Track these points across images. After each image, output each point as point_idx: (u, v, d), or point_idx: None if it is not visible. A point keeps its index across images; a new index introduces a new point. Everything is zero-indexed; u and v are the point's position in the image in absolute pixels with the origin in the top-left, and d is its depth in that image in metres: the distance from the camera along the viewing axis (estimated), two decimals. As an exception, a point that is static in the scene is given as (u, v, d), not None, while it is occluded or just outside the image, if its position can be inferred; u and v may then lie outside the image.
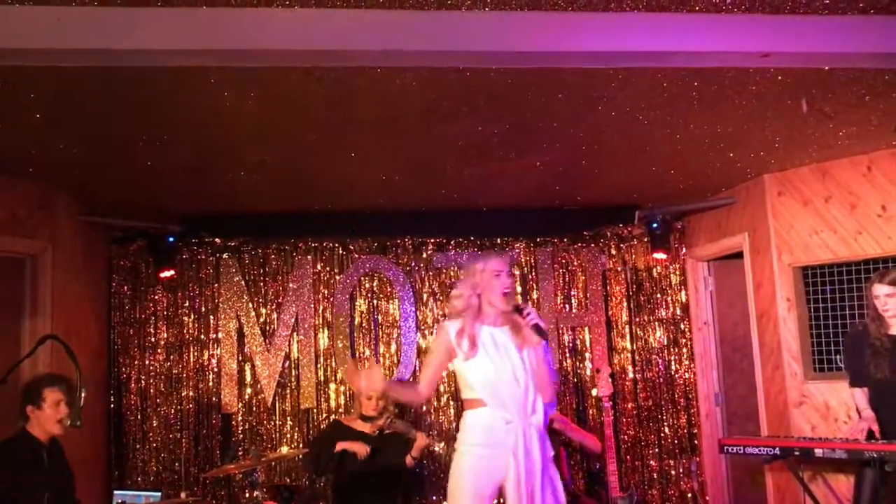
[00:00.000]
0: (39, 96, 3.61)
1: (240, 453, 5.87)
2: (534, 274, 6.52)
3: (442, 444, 6.10)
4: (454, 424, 6.25)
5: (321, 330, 6.27)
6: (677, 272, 6.55)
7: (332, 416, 6.01)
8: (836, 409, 5.18)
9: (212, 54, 3.13)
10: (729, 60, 3.46)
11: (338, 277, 6.32)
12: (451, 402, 6.26)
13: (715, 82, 3.77)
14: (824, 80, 3.79)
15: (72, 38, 2.96)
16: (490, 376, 3.34)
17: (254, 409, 6.15)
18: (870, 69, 3.67)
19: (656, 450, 6.42)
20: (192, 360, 6.15)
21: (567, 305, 6.55)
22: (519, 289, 6.47)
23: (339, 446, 4.99)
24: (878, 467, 4.17)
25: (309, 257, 6.30)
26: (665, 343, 6.50)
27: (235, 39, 3.05)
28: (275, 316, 6.24)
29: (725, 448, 4.94)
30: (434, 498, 6.14)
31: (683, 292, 6.52)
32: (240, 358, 6.17)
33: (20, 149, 4.36)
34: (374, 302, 6.34)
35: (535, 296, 6.50)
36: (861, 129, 4.58)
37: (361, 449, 4.92)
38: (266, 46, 3.09)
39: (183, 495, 4.87)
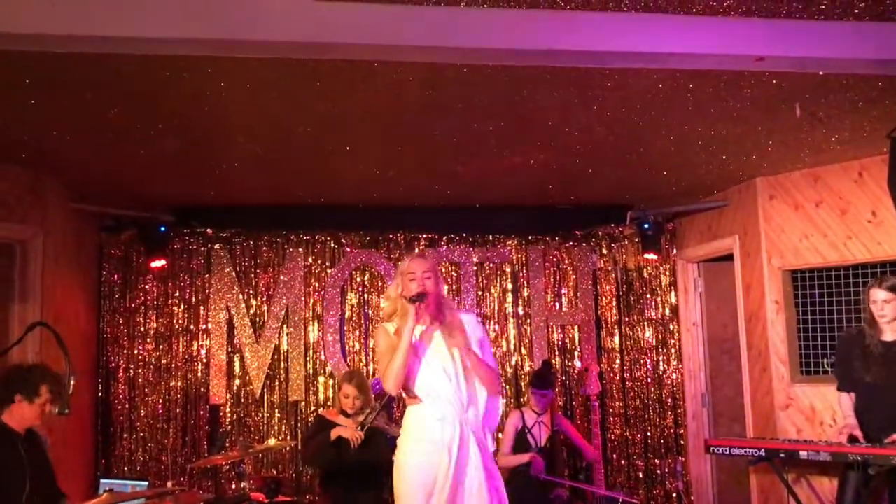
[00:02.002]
0: (33, 82, 3.59)
1: (227, 444, 5.87)
2: (525, 272, 6.54)
3: None
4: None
5: (311, 323, 6.27)
6: (667, 273, 6.58)
7: (319, 410, 6.01)
8: (821, 412, 5.21)
9: (207, 44, 3.12)
10: (724, 63, 3.48)
11: (329, 271, 6.32)
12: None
13: (710, 85, 3.78)
14: (818, 85, 3.81)
15: (66, 24, 2.95)
16: (421, 374, 3.42)
17: (242, 400, 6.15)
18: (864, 75, 3.69)
19: (642, 449, 6.45)
20: (181, 350, 6.14)
21: (557, 303, 6.57)
22: (510, 286, 6.49)
23: (335, 432, 4.97)
24: (861, 470, 4.20)
25: (300, 250, 6.30)
26: (653, 343, 6.53)
27: (231, 29, 3.05)
28: (265, 308, 6.24)
29: (712, 448, 4.97)
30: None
31: (673, 293, 6.55)
32: (229, 349, 6.17)
33: (12, 134, 4.33)
34: (365, 296, 6.35)
35: (525, 293, 6.51)
36: (854, 134, 4.60)
37: (354, 434, 4.89)
38: (262, 38, 3.08)
39: (169, 485, 4.87)
